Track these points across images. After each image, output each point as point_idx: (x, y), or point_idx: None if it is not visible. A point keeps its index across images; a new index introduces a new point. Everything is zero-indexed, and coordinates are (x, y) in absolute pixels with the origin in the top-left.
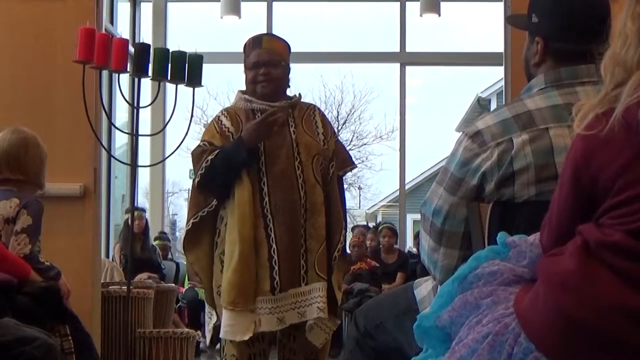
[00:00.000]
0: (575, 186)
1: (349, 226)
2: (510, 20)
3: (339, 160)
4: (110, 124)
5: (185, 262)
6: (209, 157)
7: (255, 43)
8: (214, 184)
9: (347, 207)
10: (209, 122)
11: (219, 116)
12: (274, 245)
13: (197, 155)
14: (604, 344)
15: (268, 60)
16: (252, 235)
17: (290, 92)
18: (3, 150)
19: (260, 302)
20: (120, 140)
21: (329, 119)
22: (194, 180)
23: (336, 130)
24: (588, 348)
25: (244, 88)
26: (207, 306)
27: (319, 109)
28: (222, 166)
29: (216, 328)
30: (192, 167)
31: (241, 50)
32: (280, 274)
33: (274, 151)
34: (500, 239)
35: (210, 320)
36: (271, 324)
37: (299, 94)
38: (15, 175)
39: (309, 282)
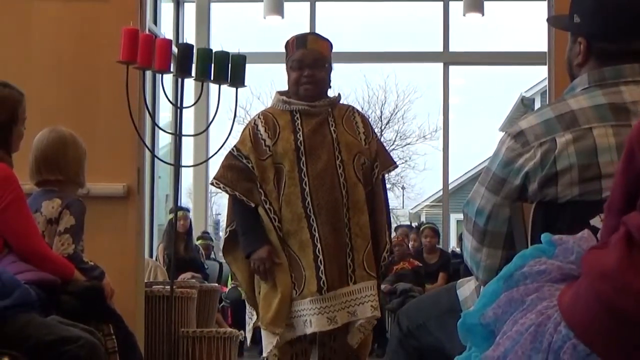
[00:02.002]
0: (628, 169)
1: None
2: (552, 21)
3: (381, 161)
4: (154, 124)
5: None
6: (235, 223)
7: (299, 43)
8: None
9: (390, 208)
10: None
11: (255, 121)
12: (319, 245)
13: (225, 166)
14: None
15: (313, 62)
16: (290, 282)
17: (330, 92)
18: (41, 151)
19: (309, 303)
20: (164, 141)
21: (373, 119)
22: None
23: (380, 130)
24: (628, 337)
25: (286, 87)
26: (247, 306)
27: (357, 110)
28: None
29: (256, 328)
30: None
31: (284, 50)
32: (327, 274)
33: (314, 151)
34: (544, 238)
35: (250, 321)
36: (322, 323)
37: (339, 94)
38: (55, 176)
39: (357, 280)
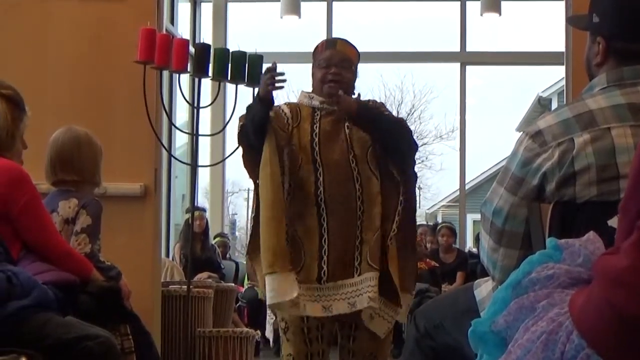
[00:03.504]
0: None
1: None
2: (571, 21)
3: None
4: (171, 124)
5: (244, 262)
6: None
7: (329, 44)
8: (245, 138)
9: None
10: None
11: (280, 105)
12: (326, 235)
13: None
14: None
15: (340, 61)
16: (277, 199)
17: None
18: (56, 151)
19: (305, 289)
20: (181, 140)
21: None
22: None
23: None
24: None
25: (305, 87)
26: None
27: (374, 101)
28: (250, 120)
29: (276, 330)
30: None
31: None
32: (329, 264)
33: (328, 146)
34: (550, 243)
35: (270, 320)
36: (315, 310)
37: (359, 94)
38: (70, 176)
39: (362, 272)
